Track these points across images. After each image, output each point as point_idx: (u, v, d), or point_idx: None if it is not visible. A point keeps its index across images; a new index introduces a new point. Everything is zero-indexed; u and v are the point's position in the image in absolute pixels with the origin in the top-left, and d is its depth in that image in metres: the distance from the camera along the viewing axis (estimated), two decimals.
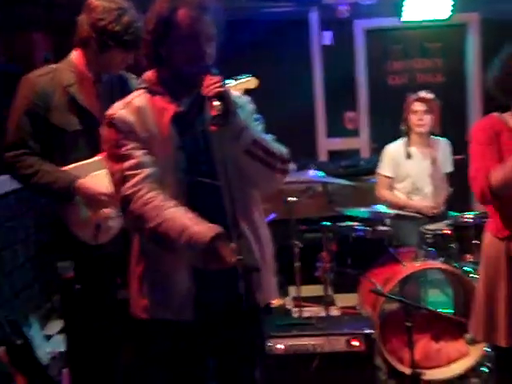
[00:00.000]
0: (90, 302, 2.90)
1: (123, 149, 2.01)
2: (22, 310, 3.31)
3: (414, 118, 4.33)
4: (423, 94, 4.35)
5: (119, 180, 2.01)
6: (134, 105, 2.05)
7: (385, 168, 4.45)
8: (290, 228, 4.22)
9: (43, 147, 2.77)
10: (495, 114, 2.57)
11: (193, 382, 2.23)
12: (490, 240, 2.50)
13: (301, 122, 6.25)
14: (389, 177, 4.42)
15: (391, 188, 4.46)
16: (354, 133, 6.44)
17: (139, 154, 2.01)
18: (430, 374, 3.64)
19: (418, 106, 4.31)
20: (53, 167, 2.74)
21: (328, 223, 4.16)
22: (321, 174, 4.35)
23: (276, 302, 5.00)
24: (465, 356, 3.72)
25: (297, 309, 4.23)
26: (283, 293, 5.16)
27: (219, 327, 2.12)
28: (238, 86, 3.67)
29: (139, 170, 1.99)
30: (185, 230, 1.88)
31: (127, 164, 2.00)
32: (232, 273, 2.00)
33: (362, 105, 6.42)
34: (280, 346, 3.19)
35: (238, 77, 3.64)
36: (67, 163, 2.75)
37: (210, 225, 1.91)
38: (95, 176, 2.73)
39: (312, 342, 3.20)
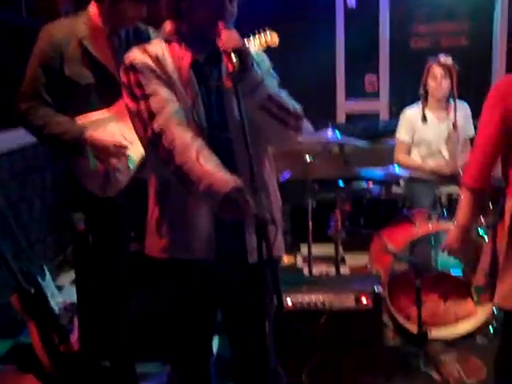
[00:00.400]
0: (101, 254, 2.95)
1: (147, 88, 2.01)
2: (35, 261, 3.37)
3: (432, 83, 4.29)
4: (443, 58, 4.29)
5: (147, 118, 2.00)
6: (152, 52, 2.06)
7: (402, 133, 4.42)
8: (305, 187, 4.22)
9: (56, 100, 2.80)
10: None
11: (201, 331, 2.28)
12: None
13: (321, 83, 6.21)
14: (405, 142, 4.39)
15: (409, 153, 4.43)
16: (374, 95, 6.38)
17: (164, 91, 2.01)
18: (436, 332, 3.66)
19: (437, 71, 4.26)
20: (64, 118, 2.77)
21: (342, 183, 4.16)
22: (338, 134, 4.34)
23: (287, 260, 5.05)
24: (472, 316, 3.73)
25: (307, 267, 4.25)
26: (295, 251, 5.21)
27: (234, 276, 2.15)
28: (259, 42, 3.66)
29: (166, 105, 1.99)
30: (206, 176, 1.89)
31: (153, 101, 1.99)
32: (242, 225, 2.05)
33: (383, 67, 6.34)
34: (288, 302, 3.22)
35: (259, 33, 3.63)
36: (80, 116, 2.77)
37: (232, 176, 1.91)
38: (106, 129, 2.75)
39: (321, 299, 3.21)
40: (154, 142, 1.99)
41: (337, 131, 4.37)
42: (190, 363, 2.32)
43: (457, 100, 4.30)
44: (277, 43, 3.71)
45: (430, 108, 4.36)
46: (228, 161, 2.02)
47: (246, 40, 2.02)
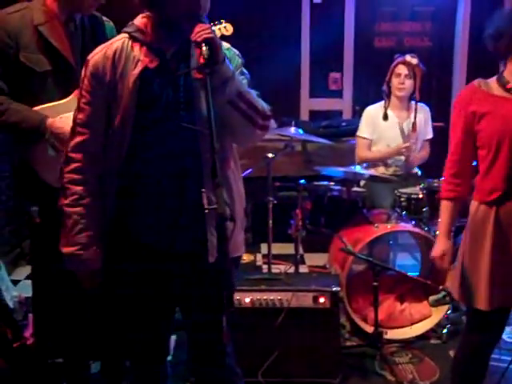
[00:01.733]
0: (57, 248, 2.90)
1: (83, 100, 2.08)
2: None
3: (395, 81, 4.31)
4: (408, 58, 4.31)
5: (71, 130, 2.13)
6: (112, 49, 2.06)
7: (363, 130, 4.44)
8: (266, 185, 4.22)
9: (12, 88, 2.71)
10: (476, 82, 2.50)
11: (158, 329, 2.27)
12: (477, 206, 2.49)
13: (285, 80, 6.19)
14: (367, 138, 4.41)
15: (370, 150, 4.46)
16: (338, 94, 6.41)
17: (93, 110, 2.08)
18: (392, 334, 3.71)
19: (401, 69, 4.28)
20: (22, 106, 2.69)
21: (304, 182, 4.16)
22: (301, 132, 4.35)
23: (247, 258, 5.05)
24: (427, 317, 3.79)
25: (267, 265, 4.25)
26: (255, 249, 5.21)
27: (192, 272, 2.13)
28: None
29: (86, 130, 2.09)
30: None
31: (80, 116, 2.10)
32: (203, 222, 2.03)
33: (347, 66, 6.37)
34: (247, 300, 3.22)
35: (214, 24, 3.61)
36: (36, 105, 2.69)
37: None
38: (65, 117, 2.70)
39: (279, 297, 3.23)
40: (63, 160, 2.16)
41: (299, 129, 4.39)
42: (147, 362, 2.30)
43: (418, 103, 4.34)
44: (231, 32, 3.71)
45: (391, 107, 4.39)
46: (193, 154, 2.03)
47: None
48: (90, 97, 2.07)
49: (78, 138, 2.10)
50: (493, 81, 2.46)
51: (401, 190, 4.04)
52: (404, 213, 3.97)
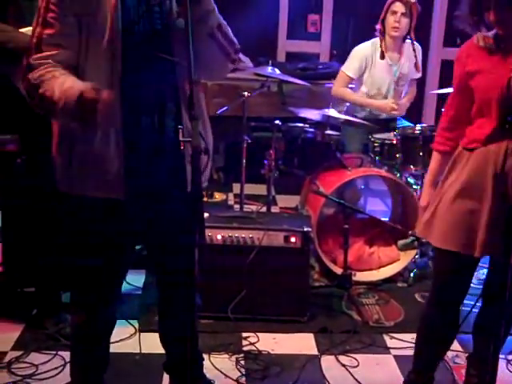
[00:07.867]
0: (31, 178, 2.86)
1: (50, 14, 1.91)
2: None
3: (390, 19, 4.08)
4: None
5: (35, 44, 1.92)
6: None
7: (350, 67, 4.21)
8: (241, 124, 4.18)
9: None
10: (475, 38, 2.33)
11: (114, 266, 2.19)
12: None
13: (263, 20, 6.09)
14: (350, 77, 4.22)
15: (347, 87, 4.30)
16: (316, 36, 6.33)
17: (64, 26, 1.92)
18: (360, 276, 3.76)
19: (398, 7, 4.05)
20: (8, 27, 2.68)
21: (279, 122, 4.13)
22: (277, 72, 4.30)
23: (219, 197, 5.05)
24: (395, 261, 3.85)
25: (238, 205, 4.25)
26: (227, 189, 5.21)
27: (154, 210, 2.10)
28: None
29: (55, 48, 1.92)
30: (59, 86, 1.85)
31: (47, 31, 1.91)
32: (177, 155, 1.99)
33: (326, 8, 6.28)
34: (218, 237, 3.22)
35: None
36: (23, 27, 2.67)
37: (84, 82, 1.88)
38: None
39: (250, 235, 3.23)
40: (24, 71, 1.93)
41: (276, 69, 4.33)
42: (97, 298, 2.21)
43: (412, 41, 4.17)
44: None
45: (385, 46, 4.17)
46: (170, 86, 2.03)
47: None
48: (61, 9, 1.91)
49: (45, 52, 1.92)
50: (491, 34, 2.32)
51: (375, 136, 4.02)
52: (377, 158, 3.98)
